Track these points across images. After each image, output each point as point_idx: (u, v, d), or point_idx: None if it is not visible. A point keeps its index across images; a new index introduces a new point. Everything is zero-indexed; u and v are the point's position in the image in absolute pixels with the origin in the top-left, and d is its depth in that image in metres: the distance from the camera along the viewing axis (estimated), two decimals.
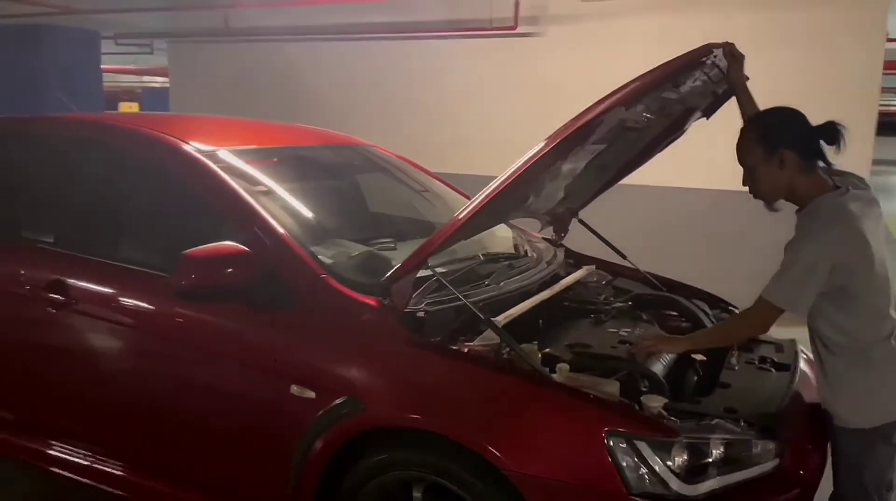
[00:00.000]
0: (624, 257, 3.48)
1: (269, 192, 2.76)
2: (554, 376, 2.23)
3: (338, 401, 2.23)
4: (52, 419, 2.93)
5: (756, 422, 2.17)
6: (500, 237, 3.46)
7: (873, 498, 2.19)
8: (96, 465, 2.79)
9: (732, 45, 2.44)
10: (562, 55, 6.65)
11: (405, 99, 7.31)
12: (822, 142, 2.23)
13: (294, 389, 2.31)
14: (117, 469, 2.76)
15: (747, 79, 2.50)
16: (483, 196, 2.16)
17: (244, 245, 2.39)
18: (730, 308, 3.27)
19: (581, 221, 3.48)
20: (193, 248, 2.29)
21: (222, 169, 2.67)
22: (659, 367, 2.42)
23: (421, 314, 2.31)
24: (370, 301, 2.31)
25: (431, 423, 2.12)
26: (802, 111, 2.22)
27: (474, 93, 7.03)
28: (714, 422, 2.11)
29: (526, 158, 2.14)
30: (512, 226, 3.54)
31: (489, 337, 2.34)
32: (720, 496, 2.01)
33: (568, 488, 2.00)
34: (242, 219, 2.52)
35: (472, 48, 7.02)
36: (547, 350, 2.41)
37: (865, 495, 2.18)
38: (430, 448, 2.13)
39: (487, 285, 2.62)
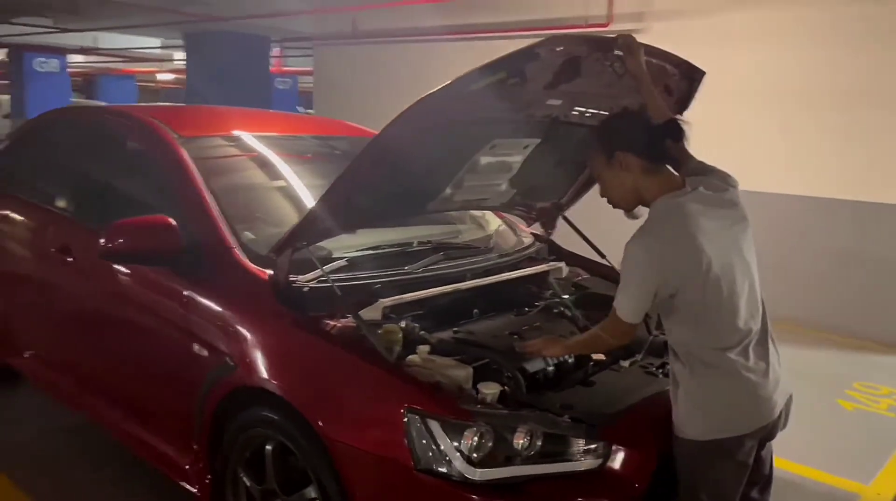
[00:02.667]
0: (603, 256, 3.44)
1: (233, 176, 3.11)
2: (412, 357, 2.34)
3: (220, 362, 2.51)
4: (55, 352, 3.53)
5: (586, 420, 2.13)
6: (480, 228, 3.57)
7: None
8: (79, 394, 3.33)
9: (627, 36, 2.36)
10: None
11: None
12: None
13: (195, 347, 2.62)
14: (90, 395, 3.26)
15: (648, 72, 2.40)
16: (339, 181, 2.29)
17: (185, 214, 2.74)
18: None
19: (565, 218, 3.48)
20: (124, 219, 2.67)
21: (195, 153, 3.03)
22: (539, 363, 2.42)
23: (305, 289, 2.52)
24: (263, 275, 2.55)
25: (279, 388, 2.32)
26: None
27: None
28: (525, 413, 2.11)
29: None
30: (503, 219, 3.64)
31: (369, 313, 2.50)
32: (518, 485, 2.02)
33: (368, 457, 2.12)
34: (186, 194, 2.87)
35: None
36: (422, 332, 2.51)
37: None
38: (279, 410, 2.33)
39: (402, 269, 2.77)
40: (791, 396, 2.17)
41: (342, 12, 8.56)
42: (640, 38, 2.40)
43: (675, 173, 2.11)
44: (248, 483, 2.48)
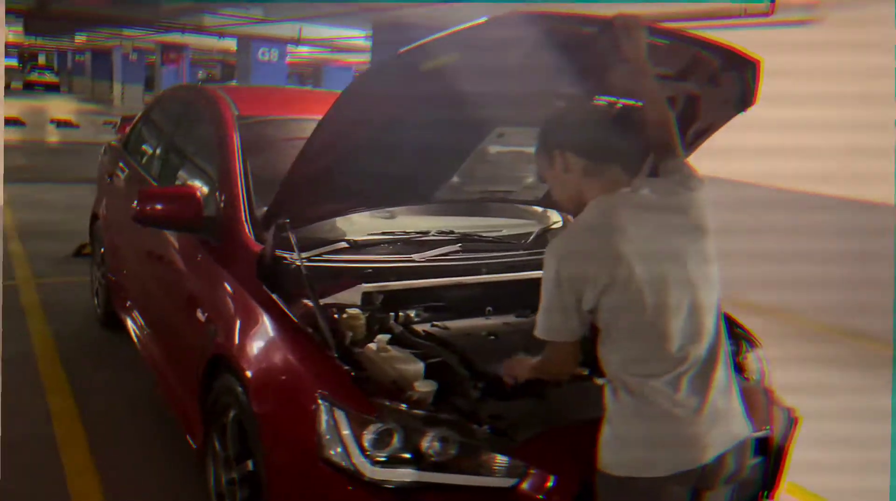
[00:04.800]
0: None
1: (273, 156, 3.22)
2: (370, 345, 2.29)
3: (209, 328, 2.62)
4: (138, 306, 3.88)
5: (509, 434, 1.95)
6: (539, 223, 3.39)
7: None
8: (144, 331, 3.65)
9: (625, 17, 2.09)
10: (839, 43, 5.64)
11: None
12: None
13: (199, 312, 2.75)
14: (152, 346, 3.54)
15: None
16: (299, 156, 2.28)
17: (219, 185, 2.90)
18: (742, 333, 2.79)
19: None
20: (153, 187, 2.88)
21: (246, 131, 3.18)
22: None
23: (292, 266, 2.55)
24: (257, 249, 2.62)
25: (236, 358, 2.37)
26: None
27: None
28: (441, 417, 1.97)
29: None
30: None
31: (348, 297, 2.49)
32: (413, 491, 1.90)
33: (285, 437, 2.11)
34: (224, 167, 3.03)
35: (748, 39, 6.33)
36: (393, 322, 2.44)
37: None
38: (238, 381, 2.38)
39: (407, 257, 2.72)
40: (745, 443, 1.81)
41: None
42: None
43: (623, 173, 1.83)
44: (217, 447, 2.56)
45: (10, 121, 18.73)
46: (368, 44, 15.39)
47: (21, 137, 16.24)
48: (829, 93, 5.63)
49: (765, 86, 2.49)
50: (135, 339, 3.82)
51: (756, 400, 2.44)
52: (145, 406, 3.63)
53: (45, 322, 4.72)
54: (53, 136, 17.22)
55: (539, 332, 1.80)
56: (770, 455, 2.36)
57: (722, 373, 1.77)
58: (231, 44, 18.37)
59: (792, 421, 2.64)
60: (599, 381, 2.27)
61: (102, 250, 4.59)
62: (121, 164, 4.49)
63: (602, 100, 2.51)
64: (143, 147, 4.36)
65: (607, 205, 1.76)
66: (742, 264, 4.82)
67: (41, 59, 47.39)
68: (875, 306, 5.35)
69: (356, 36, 15.67)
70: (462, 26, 1.90)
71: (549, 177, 1.92)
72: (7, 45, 43.90)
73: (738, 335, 2.82)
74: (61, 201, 8.98)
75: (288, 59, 18.79)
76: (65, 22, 18.30)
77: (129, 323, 3.95)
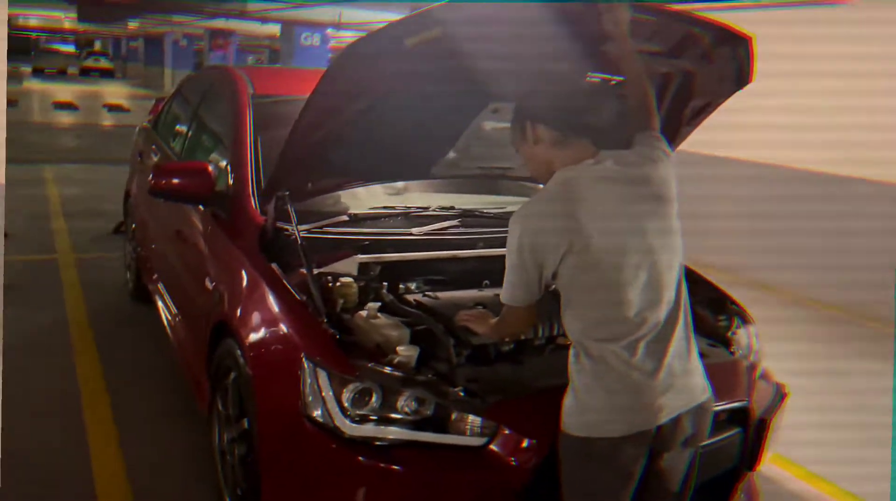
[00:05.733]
0: None
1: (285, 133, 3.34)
2: (360, 312, 2.40)
3: (216, 294, 2.76)
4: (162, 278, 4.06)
5: (479, 395, 2.04)
6: None
7: None
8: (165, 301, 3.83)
9: None
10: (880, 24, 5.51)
11: None
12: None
13: (207, 281, 2.90)
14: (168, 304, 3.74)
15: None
16: (293, 129, 2.38)
17: (231, 160, 3.05)
18: (736, 309, 2.83)
19: None
20: (168, 162, 3.03)
21: (260, 109, 3.31)
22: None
23: (291, 238, 2.67)
24: (261, 221, 2.75)
25: (236, 323, 2.51)
26: None
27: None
28: (416, 378, 2.06)
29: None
30: None
31: (344, 267, 2.60)
32: (389, 448, 2.01)
33: (274, 397, 2.23)
34: (236, 143, 3.17)
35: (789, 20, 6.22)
36: (384, 291, 2.54)
37: None
38: (238, 344, 2.51)
39: (406, 230, 2.83)
40: (703, 406, 1.86)
41: None
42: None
43: (591, 145, 1.89)
44: (220, 408, 2.71)
45: (63, 105, 19.39)
46: None
47: (74, 120, 16.81)
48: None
49: None
50: (160, 310, 4.00)
51: (737, 373, 2.48)
52: (164, 372, 3.82)
53: (81, 293, 4.96)
54: (105, 120, 17.75)
55: (504, 298, 1.88)
56: (750, 428, 2.40)
57: (680, 339, 1.82)
58: (276, 29, 18.65)
59: (780, 397, 2.67)
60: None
61: (133, 226, 4.81)
62: (151, 144, 4.69)
63: (594, 77, 2.57)
64: (169, 126, 4.54)
65: (569, 175, 1.82)
66: None
67: (97, 46, 48.60)
68: None
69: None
70: (440, 2, 1.98)
71: (520, 148, 1.99)
72: (64, 32, 44.93)
73: (731, 311, 2.86)
74: (107, 180, 9.27)
75: (331, 45, 18.99)
76: (115, 8, 18.78)
77: (155, 294, 4.14)
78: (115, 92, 27.90)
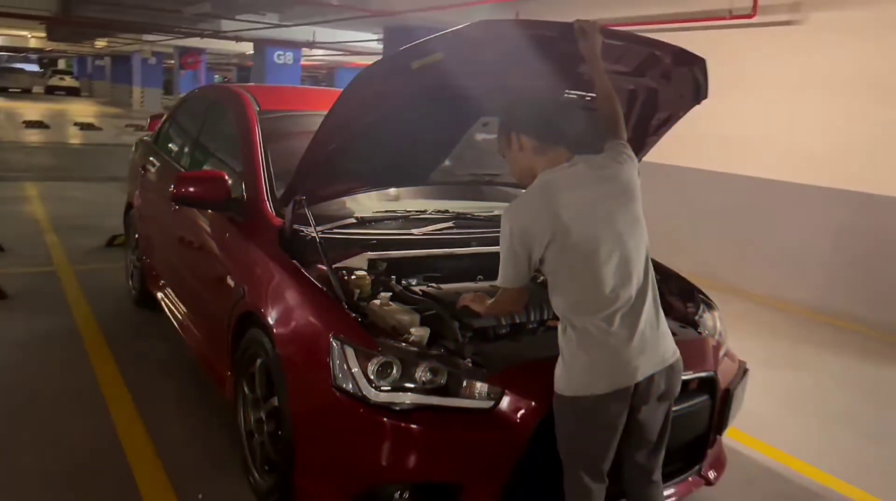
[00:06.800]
0: None
1: (290, 144, 3.66)
2: (374, 301, 2.73)
3: (239, 290, 3.06)
4: (171, 283, 4.35)
5: (485, 365, 2.38)
6: None
7: (575, 471, 2.20)
8: (176, 305, 4.11)
9: (583, 21, 2.50)
10: (825, 45, 6.02)
11: None
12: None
13: (228, 278, 3.20)
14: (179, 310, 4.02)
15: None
16: (313, 142, 2.71)
17: (243, 170, 3.37)
18: (703, 298, 3.22)
19: None
20: (188, 171, 3.33)
21: (266, 124, 3.63)
22: (488, 321, 2.67)
23: (308, 237, 2.98)
24: (278, 223, 3.06)
25: (263, 313, 2.81)
26: None
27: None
28: (431, 352, 2.40)
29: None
30: None
31: (355, 263, 2.93)
32: (409, 411, 2.33)
33: (305, 371, 2.54)
34: (247, 155, 3.49)
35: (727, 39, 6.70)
36: (393, 282, 2.88)
37: (565, 462, 2.21)
38: (265, 332, 2.81)
39: (407, 230, 3.16)
40: (673, 365, 2.22)
41: (505, 1, 8.91)
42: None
43: (566, 151, 2.23)
44: (246, 392, 3.01)
45: (34, 124, 19.40)
46: (380, 46, 15.86)
47: (47, 139, 16.85)
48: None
49: None
50: (168, 313, 4.27)
51: (705, 349, 2.85)
52: (179, 369, 4.09)
53: (85, 302, 5.19)
54: (78, 138, 17.81)
55: (499, 281, 2.23)
56: (716, 397, 2.77)
57: (650, 310, 2.17)
58: (247, 46, 18.91)
59: (742, 372, 3.05)
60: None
61: (137, 236, 5.07)
62: (152, 158, 4.96)
63: (572, 94, 2.94)
64: (174, 140, 4.82)
65: (549, 177, 2.17)
66: None
67: (61, 64, 48.22)
68: None
69: (368, 39, 16.16)
70: (444, 32, 2.34)
71: (506, 154, 2.34)
72: (28, 51, 44.34)
73: (698, 299, 3.25)
74: (90, 198, 9.49)
75: (302, 62, 19.29)
76: (88, 28, 18.88)
77: (164, 299, 4.41)
78: (82, 110, 27.84)
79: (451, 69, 2.44)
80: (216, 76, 41.77)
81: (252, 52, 19.18)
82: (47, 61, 51.70)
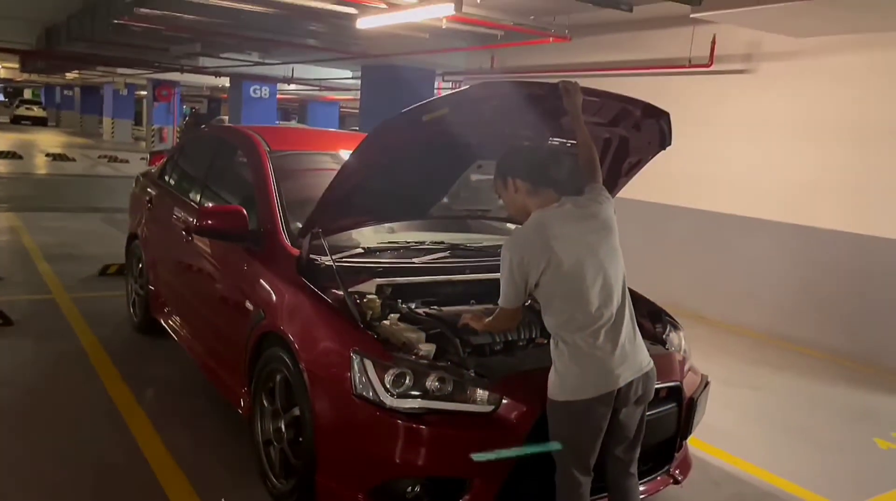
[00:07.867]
0: None
1: (300, 182, 4.05)
2: (384, 321, 3.10)
3: (258, 313, 3.41)
4: (179, 309, 4.65)
5: (486, 376, 2.77)
6: None
7: (566, 465, 2.57)
8: (187, 332, 4.41)
9: (567, 82, 2.94)
10: (772, 92, 6.62)
11: None
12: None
13: (246, 303, 3.54)
14: (194, 339, 4.33)
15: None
16: (335, 181, 3.09)
17: (259, 206, 3.72)
18: (669, 319, 3.64)
19: None
20: (210, 205, 3.68)
21: (276, 162, 4.00)
22: (484, 338, 3.07)
23: (322, 265, 3.35)
24: (295, 253, 3.42)
25: (285, 333, 3.16)
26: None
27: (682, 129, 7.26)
28: (439, 364, 2.78)
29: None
30: None
31: (365, 287, 3.30)
32: (421, 414, 2.69)
33: (328, 383, 2.89)
34: (261, 191, 3.84)
35: (689, 85, 7.26)
36: (401, 305, 3.26)
37: (557, 458, 2.58)
38: (285, 350, 3.16)
39: (408, 259, 3.54)
40: (648, 373, 2.62)
41: (480, 49, 9.46)
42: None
43: (555, 193, 2.63)
44: (265, 405, 3.34)
45: (6, 154, 19.42)
46: (355, 82, 16.36)
47: (22, 170, 16.91)
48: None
49: None
50: (176, 337, 4.58)
51: (672, 362, 3.27)
52: (187, 388, 4.39)
53: (87, 327, 5.45)
54: (53, 169, 17.88)
55: (500, 302, 2.62)
56: (682, 405, 3.18)
57: (629, 326, 2.58)
58: (223, 80, 19.26)
59: (704, 384, 3.48)
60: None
61: (140, 265, 5.36)
62: (159, 192, 5.28)
63: (555, 141, 3.38)
64: (183, 176, 5.15)
65: (542, 215, 2.58)
66: None
67: (27, 94, 47.94)
68: None
69: (345, 77, 16.66)
70: (452, 92, 2.77)
71: (503, 196, 2.75)
72: None
73: (665, 320, 3.67)
74: (74, 228, 9.69)
75: (279, 96, 19.70)
76: (68, 62, 19.07)
77: (171, 324, 4.71)
78: (51, 140, 27.79)
79: (454, 121, 2.86)
80: (184, 107, 41.92)
81: (228, 85, 19.52)
82: (12, 91, 51.33)
